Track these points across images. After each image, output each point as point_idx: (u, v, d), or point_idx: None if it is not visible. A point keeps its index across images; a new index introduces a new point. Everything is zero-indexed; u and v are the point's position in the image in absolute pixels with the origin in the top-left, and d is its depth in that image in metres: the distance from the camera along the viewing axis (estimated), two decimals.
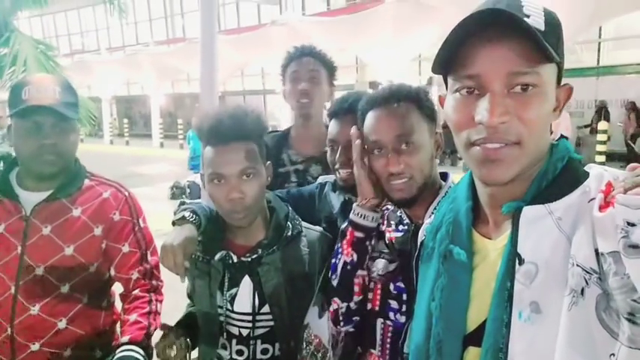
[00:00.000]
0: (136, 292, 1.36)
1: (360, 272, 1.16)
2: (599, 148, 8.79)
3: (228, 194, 1.14)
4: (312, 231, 1.31)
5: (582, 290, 0.59)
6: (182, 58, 14.87)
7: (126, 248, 1.38)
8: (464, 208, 0.78)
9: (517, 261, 0.66)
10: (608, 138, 9.11)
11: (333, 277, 1.18)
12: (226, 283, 1.23)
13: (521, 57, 0.63)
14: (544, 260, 0.64)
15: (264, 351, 1.23)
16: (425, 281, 0.82)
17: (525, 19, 0.63)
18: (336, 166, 1.36)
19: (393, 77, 14.13)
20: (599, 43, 11.71)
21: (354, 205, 1.17)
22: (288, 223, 1.25)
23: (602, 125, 8.90)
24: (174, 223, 1.24)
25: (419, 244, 0.90)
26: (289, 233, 1.24)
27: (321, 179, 1.54)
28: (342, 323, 1.18)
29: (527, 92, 0.64)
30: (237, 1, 18.67)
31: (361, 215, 1.14)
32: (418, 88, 1.15)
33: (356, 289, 1.16)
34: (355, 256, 1.14)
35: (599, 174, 0.66)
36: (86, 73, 19.33)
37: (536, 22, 0.64)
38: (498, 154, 0.66)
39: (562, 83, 0.71)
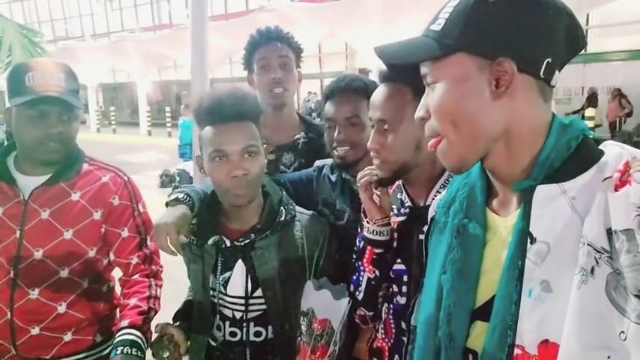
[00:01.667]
0: (136, 276, 1.36)
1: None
2: None
3: (230, 172, 1.14)
4: (305, 215, 1.31)
5: (592, 269, 0.60)
6: (169, 44, 14.70)
7: (125, 233, 1.37)
8: (479, 183, 0.79)
9: (529, 239, 0.66)
10: (596, 125, 9.22)
11: (357, 292, 1.19)
12: (219, 267, 1.24)
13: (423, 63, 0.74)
14: (556, 239, 0.64)
15: (257, 334, 1.24)
16: (436, 254, 0.83)
17: (431, 26, 0.72)
18: (334, 145, 1.36)
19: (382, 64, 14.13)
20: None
21: (365, 223, 1.17)
22: (282, 208, 1.26)
23: (590, 112, 9.01)
24: (167, 205, 1.24)
25: (429, 220, 0.91)
26: (282, 218, 1.25)
27: (318, 163, 1.54)
28: (370, 323, 1.23)
29: (432, 86, 0.73)
30: None
31: (375, 232, 1.15)
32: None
33: (380, 299, 1.19)
34: (378, 272, 1.16)
35: (616, 153, 0.65)
36: (71, 60, 18.87)
37: (436, 26, 0.71)
38: (439, 148, 0.74)
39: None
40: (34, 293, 1.28)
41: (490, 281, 0.72)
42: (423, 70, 0.73)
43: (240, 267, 1.23)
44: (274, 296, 1.21)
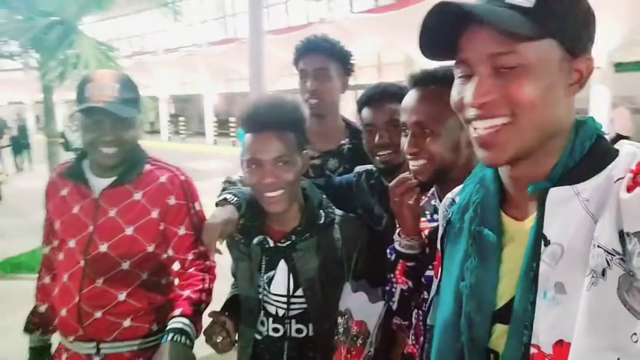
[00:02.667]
0: (191, 270, 1.45)
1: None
2: None
3: (262, 179, 1.20)
4: (345, 218, 1.34)
5: (603, 271, 0.59)
6: (234, 58, 15.29)
7: (182, 231, 1.46)
8: (492, 188, 0.79)
9: (543, 242, 0.66)
10: None
11: (391, 302, 1.21)
12: (264, 266, 1.30)
13: (498, 39, 0.64)
14: (570, 242, 0.64)
15: (299, 330, 1.30)
16: (452, 260, 0.83)
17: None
18: (375, 150, 1.38)
19: None
20: None
21: (396, 236, 1.18)
22: (322, 211, 1.30)
23: None
24: (217, 204, 1.32)
25: (445, 222, 0.91)
26: (322, 221, 1.29)
27: (358, 168, 1.56)
28: (406, 331, 1.23)
29: (513, 71, 0.65)
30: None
31: (407, 246, 1.15)
32: None
33: (413, 307, 1.19)
34: (411, 283, 1.16)
35: (630, 152, 0.65)
36: (145, 73, 20.27)
37: (525, 1, 0.64)
38: (490, 138, 0.67)
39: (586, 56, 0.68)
40: (99, 282, 1.41)
41: (509, 284, 0.73)
42: (495, 48, 0.65)
43: (282, 267, 1.28)
44: (314, 296, 1.25)
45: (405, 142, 1.15)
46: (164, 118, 23.13)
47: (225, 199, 1.35)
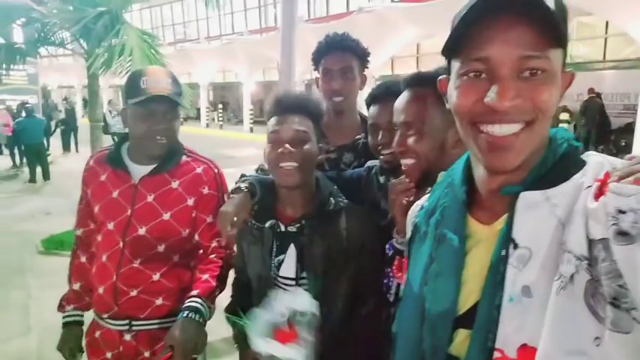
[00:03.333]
0: (213, 256, 1.54)
1: None
2: None
3: (279, 150, 1.27)
4: (353, 209, 1.38)
5: (572, 276, 0.60)
6: (272, 46, 15.42)
7: (210, 219, 1.54)
8: (459, 192, 0.78)
9: (512, 245, 0.66)
10: None
11: (388, 294, 1.25)
12: (275, 250, 1.35)
13: (533, 41, 0.61)
14: (538, 246, 0.64)
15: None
16: (416, 264, 0.82)
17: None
18: (378, 149, 1.42)
19: None
20: None
21: (394, 233, 1.22)
22: (331, 199, 1.35)
23: None
24: (231, 192, 1.41)
25: (412, 227, 0.90)
26: (331, 208, 1.33)
27: (369, 163, 1.59)
28: None
29: (536, 76, 0.63)
30: None
31: (403, 243, 1.16)
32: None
33: None
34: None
35: (598, 162, 0.66)
36: (187, 61, 20.76)
37: (547, 2, 0.61)
38: (506, 142, 0.65)
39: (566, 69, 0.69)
40: (136, 262, 1.51)
41: (472, 289, 0.72)
42: (528, 50, 0.62)
43: (292, 251, 1.33)
44: (316, 281, 1.30)
45: (394, 141, 1.20)
46: (203, 105, 23.64)
47: (239, 187, 1.42)
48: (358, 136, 1.80)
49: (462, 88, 0.68)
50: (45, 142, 10.30)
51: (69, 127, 13.99)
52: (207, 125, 22.95)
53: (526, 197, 0.67)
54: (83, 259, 1.68)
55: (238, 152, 15.01)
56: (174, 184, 1.54)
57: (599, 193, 0.60)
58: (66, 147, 13.94)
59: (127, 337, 1.54)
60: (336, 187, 1.41)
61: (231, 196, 1.39)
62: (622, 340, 0.55)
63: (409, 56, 16.18)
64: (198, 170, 1.57)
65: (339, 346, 1.28)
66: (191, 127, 21.12)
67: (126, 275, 1.50)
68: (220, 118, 22.34)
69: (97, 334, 1.60)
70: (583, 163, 0.67)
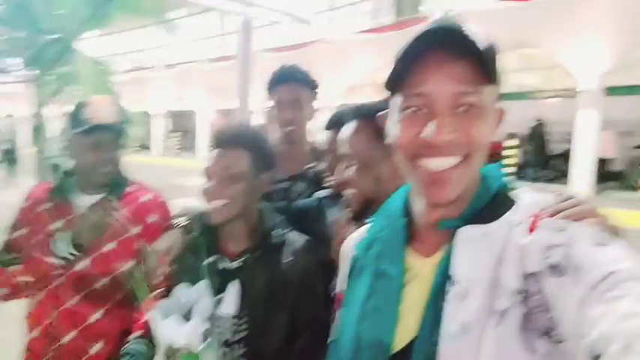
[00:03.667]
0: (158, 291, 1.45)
1: None
2: None
3: (209, 188, 1.25)
4: (298, 242, 1.34)
5: (506, 311, 0.61)
6: (230, 75, 15.45)
7: None
8: (398, 224, 0.78)
9: (450, 281, 0.66)
10: None
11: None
12: (216, 287, 1.27)
13: (468, 78, 0.65)
14: (476, 281, 0.65)
15: (243, 354, 1.26)
16: (354, 298, 0.80)
17: (477, 41, 0.64)
18: (327, 174, 1.44)
19: None
20: None
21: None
22: (275, 231, 1.32)
23: None
24: (166, 229, 1.39)
25: (350, 261, 0.88)
26: (274, 241, 1.30)
27: (318, 193, 1.59)
28: None
29: (469, 111, 0.66)
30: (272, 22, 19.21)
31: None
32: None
33: None
34: None
35: (530, 199, 0.69)
36: (142, 88, 20.42)
37: (479, 43, 0.64)
38: (444, 175, 0.67)
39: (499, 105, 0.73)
40: (74, 301, 1.43)
41: (409, 324, 0.70)
42: (463, 87, 0.65)
43: (233, 287, 1.27)
44: (257, 317, 1.24)
45: (335, 172, 1.22)
46: (157, 133, 23.25)
47: (174, 223, 1.40)
48: (309, 166, 1.82)
49: (402, 123, 0.70)
50: None
51: (8, 160, 13.36)
52: (163, 154, 22.49)
53: (464, 233, 0.68)
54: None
55: (193, 182, 14.71)
56: (119, 214, 1.49)
57: (532, 229, 0.63)
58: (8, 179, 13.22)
59: None
60: (282, 217, 1.38)
61: (165, 233, 1.36)
62: None
63: (367, 85, 16.60)
64: (144, 199, 1.55)
65: None
66: (145, 157, 20.64)
67: (64, 315, 1.42)
68: (178, 147, 21.95)
69: None
70: (515, 201, 0.71)
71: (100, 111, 1.45)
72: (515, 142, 11.07)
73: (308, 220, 1.52)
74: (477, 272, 0.65)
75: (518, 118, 12.35)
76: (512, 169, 10.75)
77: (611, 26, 8.75)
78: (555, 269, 0.58)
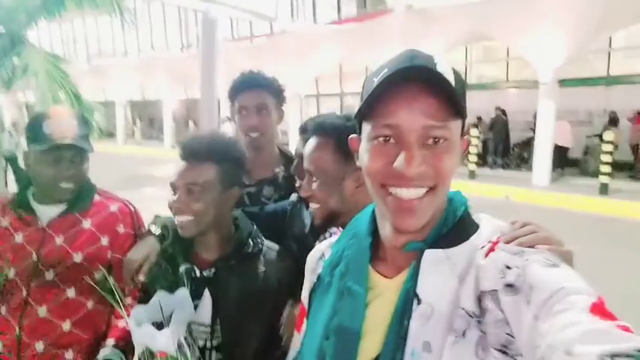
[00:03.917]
0: (128, 300, 1.42)
1: None
2: (605, 158, 8.80)
3: (174, 203, 1.23)
4: (272, 250, 1.35)
5: (464, 332, 0.65)
6: (194, 64, 15.15)
7: None
8: (363, 244, 0.80)
9: (415, 300, 0.69)
10: (616, 147, 9.11)
11: None
12: (190, 295, 1.26)
13: (436, 113, 0.67)
14: (439, 302, 0.68)
15: None
16: (318, 316, 0.82)
17: (445, 75, 0.67)
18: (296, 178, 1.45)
19: None
20: (609, 53, 11.66)
21: None
22: (250, 241, 1.31)
23: (608, 135, 8.89)
24: (140, 237, 1.36)
25: (315, 277, 0.90)
26: (249, 250, 1.30)
27: (294, 197, 1.58)
28: None
29: (438, 144, 0.69)
30: (232, 17, 18.97)
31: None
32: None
33: None
34: None
35: (491, 225, 0.74)
36: (102, 77, 19.77)
37: (449, 79, 0.68)
38: (412, 205, 0.70)
39: (465, 134, 0.76)
40: (43, 311, 1.39)
41: (372, 341, 0.72)
42: (432, 121, 0.67)
43: (207, 296, 1.27)
44: (230, 326, 1.25)
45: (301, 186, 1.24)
46: (120, 123, 22.58)
47: (149, 231, 1.38)
48: (277, 170, 1.82)
49: (372, 152, 0.72)
50: None
51: None
52: (125, 142, 21.92)
53: (429, 255, 0.71)
54: None
55: (159, 171, 14.44)
56: (86, 224, 1.46)
57: (490, 252, 0.68)
58: None
59: None
60: (255, 227, 1.38)
61: (139, 241, 1.33)
62: None
63: (332, 75, 16.63)
64: (113, 208, 1.51)
65: None
66: (108, 145, 20.05)
67: (31, 327, 1.39)
68: (142, 136, 21.41)
69: None
70: (477, 226, 0.75)
71: (61, 126, 1.38)
72: (477, 131, 11.31)
73: (282, 224, 1.52)
74: (441, 293, 0.68)
75: (481, 107, 12.74)
76: (475, 158, 11.00)
77: (565, 20, 9.07)
78: (511, 288, 0.63)
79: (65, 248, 1.42)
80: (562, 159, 11.00)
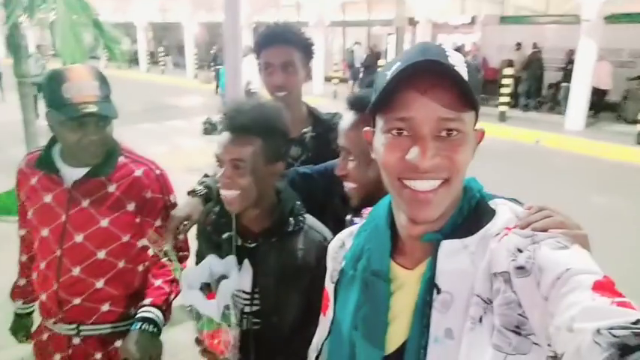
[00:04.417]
0: (165, 260, 1.46)
1: None
2: None
3: (220, 178, 1.22)
4: (314, 230, 1.33)
5: (480, 318, 0.67)
6: None
7: (158, 222, 1.48)
8: (383, 237, 0.82)
9: (435, 290, 0.72)
10: None
11: None
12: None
13: (450, 105, 0.68)
14: (458, 290, 0.70)
15: (256, 324, 1.32)
16: (345, 308, 0.85)
17: (457, 68, 0.68)
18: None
19: (433, 14, 13.46)
20: None
21: None
22: (291, 219, 1.30)
23: None
24: (188, 194, 1.38)
25: (336, 266, 0.92)
26: (289, 229, 1.30)
27: (328, 163, 1.51)
28: None
29: (451, 137, 0.69)
30: None
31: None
32: None
33: None
34: None
35: (507, 212, 0.74)
36: None
37: (461, 71, 0.68)
38: (427, 197, 0.71)
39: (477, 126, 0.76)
40: (76, 271, 1.43)
41: (399, 328, 0.77)
42: (446, 113, 0.68)
43: (247, 265, 1.29)
44: (269, 296, 1.28)
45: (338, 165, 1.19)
46: (142, 47, 22.16)
47: (194, 190, 1.38)
48: (305, 130, 1.75)
49: (386, 145, 0.72)
50: None
51: None
52: (148, 70, 21.66)
53: (447, 245, 0.73)
54: (24, 258, 1.61)
55: (183, 101, 14.37)
56: (111, 188, 1.44)
57: (503, 237, 0.70)
58: None
59: (76, 340, 1.50)
60: (299, 202, 1.36)
61: (186, 199, 1.35)
62: None
63: (360, 1, 15.79)
64: (138, 173, 1.47)
65: (288, 356, 1.28)
66: (131, 72, 19.87)
67: (67, 284, 1.43)
68: (163, 63, 21.05)
69: (45, 336, 1.55)
70: (493, 212, 0.75)
71: (81, 90, 1.31)
72: (511, 70, 10.69)
73: (316, 189, 1.48)
74: (460, 282, 0.71)
75: (511, 41, 12.02)
76: (507, 99, 10.57)
77: None
78: (521, 270, 0.65)
79: (91, 213, 1.42)
80: (599, 103, 10.51)
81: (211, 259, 1.25)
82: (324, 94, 12.97)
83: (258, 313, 1.31)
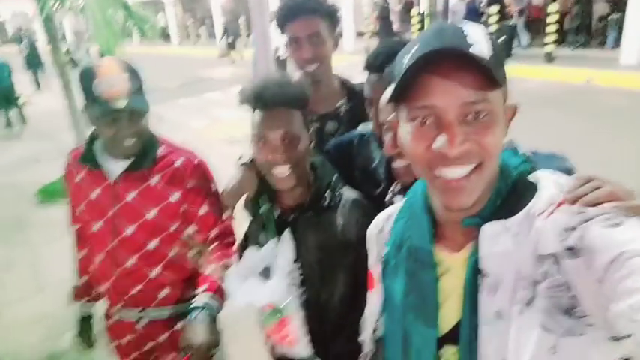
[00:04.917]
0: (214, 245, 1.49)
1: None
2: None
3: (270, 156, 1.20)
4: (349, 200, 1.31)
5: (529, 301, 0.67)
6: None
7: (202, 211, 1.50)
8: (423, 224, 0.81)
9: (481, 273, 0.71)
10: None
11: None
12: (272, 232, 1.32)
13: (472, 87, 0.64)
14: (504, 273, 0.69)
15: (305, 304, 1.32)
16: (393, 296, 0.86)
17: (470, 48, 0.64)
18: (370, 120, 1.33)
19: None
20: None
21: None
22: (328, 192, 1.29)
23: None
24: (241, 165, 1.38)
25: (383, 258, 0.91)
26: (326, 204, 1.29)
27: (361, 129, 1.49)
28: None
29: (479, 119, 0.66)
30: None
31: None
32: None
33: None
34: None
35: (551, 187, 0.70)
36: None
37: (481, 50, 0.64)
38: (459, 184, 0.69)
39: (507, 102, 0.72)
40: (130, 262, 1.49)
41: (450, 310, 0.77)
42: (470, 96, 0.65)
43: (286, 236, 1.30)
44: (310, 270, 1.29)
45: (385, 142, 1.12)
46: (173, 22, 22.22)
47: (244, 163, 1.39)
48: (339, 103, 1.70)
49: (412, 136, 0.70)
50: (12, 85, 9.51)
51: (33, 64, 12.95)
52: (180, 43, 21.78)
53: (488, 229, 0.71)
54: (82, 254, 1.66)
55: (216, 73, 14.41)
56: (154, 181, 1.46)
57: (550, 215, 0.67)
58: (37, 84, 13.12)
59: (140, 325, 1.57)
60: (336, 176, 1.34)
61: (237, 169, 1.35)
62: (576, 342, 0.63)
63: None
64: (178, 164, 1.48)
65: (340, 331, 1.29)
66: (162, 48, 20.06)
67: (123, 275, 1.50)
68: (197, 35, 21.06)
69: (110, 322, 1.63)
70: (535, 188, 0.72)
71: (111, 86, 1.31)
72: (556, 6, 9.93)
73: (349, 155, 1.45)
74: (506, 265, 0.69)
75: None
76: (554, 37, 9.90)
77: None
78: (571, 251, 0.62)
79: (137, 207, 1.45)
80: None
81: (250, 252, 1.26)
82: (356, 50, 12.52)
83: (304, 284, 1.30)
